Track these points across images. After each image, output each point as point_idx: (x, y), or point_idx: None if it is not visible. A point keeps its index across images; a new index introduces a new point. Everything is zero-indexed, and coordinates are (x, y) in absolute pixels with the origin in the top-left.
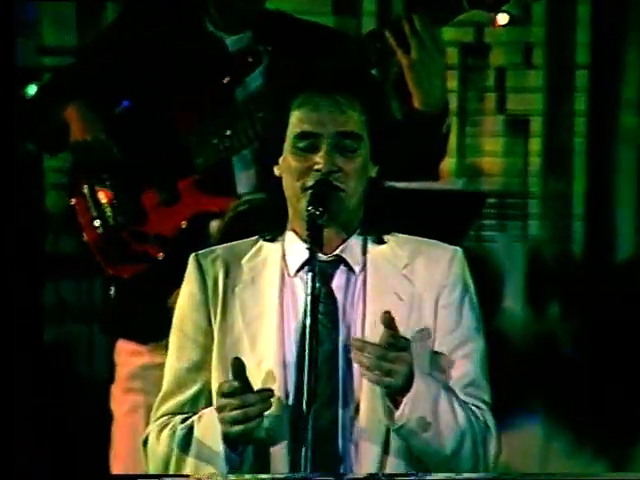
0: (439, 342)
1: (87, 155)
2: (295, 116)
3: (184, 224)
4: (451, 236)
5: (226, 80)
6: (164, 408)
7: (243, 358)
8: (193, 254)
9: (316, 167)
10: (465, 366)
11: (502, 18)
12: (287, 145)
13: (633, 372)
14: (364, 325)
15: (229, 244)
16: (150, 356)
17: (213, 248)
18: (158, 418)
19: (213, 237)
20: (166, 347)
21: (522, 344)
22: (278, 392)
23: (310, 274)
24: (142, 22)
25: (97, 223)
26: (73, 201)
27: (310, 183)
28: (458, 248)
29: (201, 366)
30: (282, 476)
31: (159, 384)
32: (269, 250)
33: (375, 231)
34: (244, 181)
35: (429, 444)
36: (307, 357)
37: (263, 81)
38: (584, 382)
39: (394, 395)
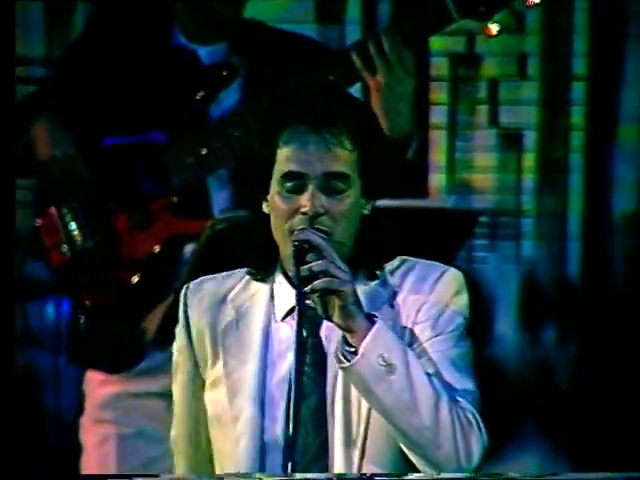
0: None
1: (55, 172)
2: (282, 154)
3: (157, 249)
4: (440, 257)
5: (199, 95)
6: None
7: (222, 410)
8: (185, 286)
9: (302, 210)
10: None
11: (493, 28)
12: (274, 184)
13: (632, 399)
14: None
15: (220, 276)
16: (122, 385)
17: (204, 281)
18: None
19: (190, 258)
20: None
21: (515, 371)
22: (253, 454)
23: (296, 317)
24: (109, 36)
25: (64, 246)
26: (39, 222)
27: (298, 226)
28: (450, 268)
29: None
30: (282, 476)
31: (130, 414)
32: (257, 286)
33: (366, 269)
34: (221, 202)
35: (398, 395)
36: (292, 412)
37: (240, 97)
38: (581, 411)
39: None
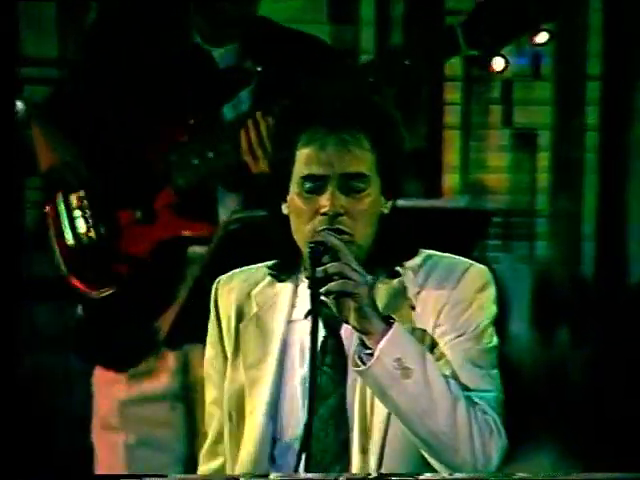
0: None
1: (57, 181)
2: (302, 155)
3: (158, 246)
4: (402, 254)
5: (212, 98)
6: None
7: (241, 402)
8: (217, 280)
9: (322, 210)
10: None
11: (497, 64)
12: (294, 186)
13: None
14: None
15: (250, 269)
16: (128, 389)
17: (234, 274)
18: None
19: (204, 258)
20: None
21: (529, 372)
22: (265, 448)
23: (310, 319)
24: (122, 34)
25: (69, 235)
26: (47, 208)
27: (319, 227)
28: (474, 264)
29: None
30: (282, 476)
31: (137, 421)
32: (282, 284)
33: (386, 267)
34: (228, 206)
35: (414, 399)
36: (307, 409)
37: (250, 101)
38: (595, 412)
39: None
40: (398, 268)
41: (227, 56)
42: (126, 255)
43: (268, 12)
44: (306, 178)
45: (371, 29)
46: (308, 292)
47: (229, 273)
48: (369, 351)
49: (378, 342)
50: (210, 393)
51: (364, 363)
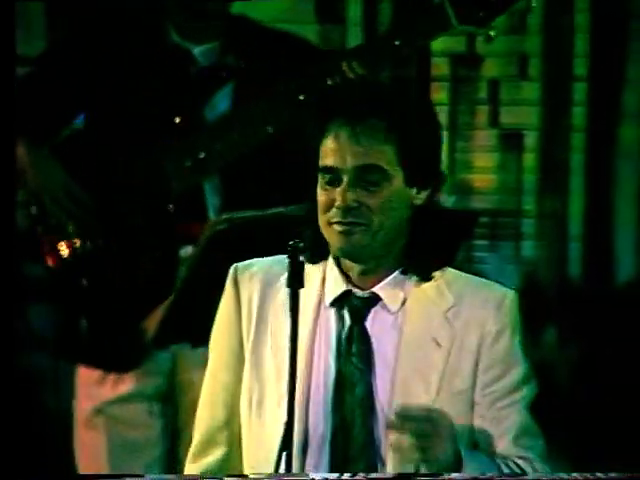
0: (483, 392)
1: (57, 211)
2: (323, 146)
3: (158, 252)
4: (439, 257)
5: (194, 96)
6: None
7: (267, 390)
8: (233, 266)
9: (335, 204)
10: (514, 415)
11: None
12: (319, 176)
13: (634, 400)
14: (396, 371)
15: (271, 259)
16: (113, 389)
17: (253, 261)
18: None
19: (190, 258)
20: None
21: None
22: (298, 435)
23: (336, 312)
24: (96, 36)
25: (64, 249)
26: (34, 210)
27: (333, 219)
28: (510, 291)
29: (232, 419)
30: (282, 476)
31: (115, 424)
32: (309, 273)
33: (419, 267)
34: (215, 206)
35: None
36: (287, 412)
37: (234, 98)
38: (583, 414)
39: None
40: (436, 273)
41: (207, 54)
42: (127, 263)
43: (256, 12)
44: (323, 170)
45: (358, 29)
46: (334, 278)
47: (245, 262)
48: None
49: None
50: (220, 376)
51: None
